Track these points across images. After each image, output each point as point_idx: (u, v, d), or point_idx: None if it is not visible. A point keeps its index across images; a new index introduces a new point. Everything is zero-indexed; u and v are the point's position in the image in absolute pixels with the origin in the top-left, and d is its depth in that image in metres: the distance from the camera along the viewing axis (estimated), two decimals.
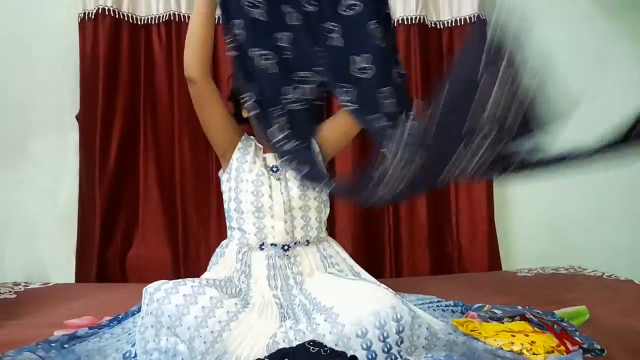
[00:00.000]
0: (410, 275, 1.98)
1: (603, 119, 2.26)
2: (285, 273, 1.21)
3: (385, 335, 0.94)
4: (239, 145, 1.29)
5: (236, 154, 1.28)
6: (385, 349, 0.93)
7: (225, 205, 1.30)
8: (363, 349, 0.93)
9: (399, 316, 0.95)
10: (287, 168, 1.25)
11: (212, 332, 0.94)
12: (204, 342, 0.93)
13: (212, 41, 1.21)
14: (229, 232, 1.31)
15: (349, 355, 0.92)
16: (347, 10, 1.15)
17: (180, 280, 1.04)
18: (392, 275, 1.98)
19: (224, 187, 1.30)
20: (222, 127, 1.28)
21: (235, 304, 1.00)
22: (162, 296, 0.98)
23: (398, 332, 0.94)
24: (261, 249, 1.23)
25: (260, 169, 1.26)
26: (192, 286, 1.00)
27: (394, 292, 1.05)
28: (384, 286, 1.07)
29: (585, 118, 2.20)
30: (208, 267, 1.30)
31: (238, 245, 1.25)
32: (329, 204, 1.33)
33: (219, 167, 1.94)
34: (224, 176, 1.31)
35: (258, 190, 1.23)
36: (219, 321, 0.95)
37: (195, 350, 0.93)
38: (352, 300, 1.01)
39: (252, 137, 1.34)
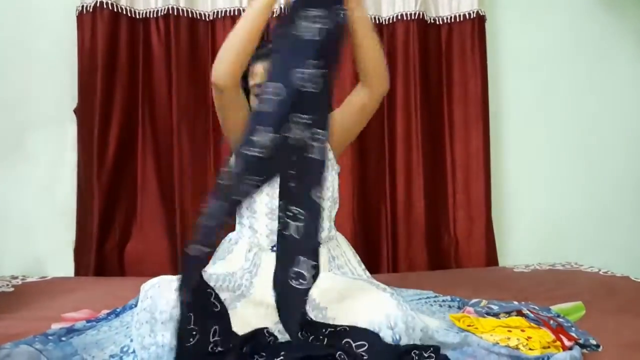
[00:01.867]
0: (407, 270, 1.99)
1: (602, 114, 2.29)
2: None
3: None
4: None
5: None
6: None
7: None
8: None
9: (392, 324, 0.96)
10: None
11: None
12: None
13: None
14: (237, 227, 1.29)
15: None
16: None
17: (175, 276, 1.03)
18: (389, 271, 1.98)
19: None
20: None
21: (226, 299, 0.99)
22: (156, 293, 0.98)
23: (393, 340, 0.95)
24: (273, 250, 1.19)
25: None
26: None
27: (391, 292, 1.04)
28: (382, 287, 1.06)
29: (586, 112, 2.23)
30: (212, 260, 1.28)
31: (248, 244, 1.23)
32: (338, 200, 1.31)
33: (217, 160, 1.96)
34: None
35: (273, 192, 1.17)
36: None
37: None
38: (347, 305, 1.01)
39: None
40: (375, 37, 1.20)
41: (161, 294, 0.98)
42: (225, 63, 1.11)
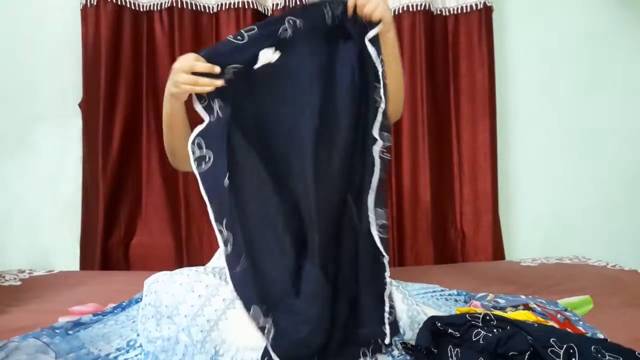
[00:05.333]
0: (413, 264, 1.98)
1: (610, 108, 2.26)
2: None
3: None
4: None
5: None
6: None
7: None
8: None
9: (397, 317, 0.97)
10: None
11: (208, 320, 0.94)
12: (201, 331, 0.93)
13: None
14: None
15: None
16: None
17: (177, 270, 1.04)
18: (395, 264, 1.98)
19: None
20: None
21: (232, 290, 0.99)
22: (160, 288, 0.99)
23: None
24: None
25: None
26: (188, 275, 1.00)
27: (396, 285, 1.03)
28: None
29: (594, 106, 2.20)
30: (217, 255, 1.28)
31: None
32: None
33: None
34: None
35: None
36: (215, 310, 0.95)
37: (193, 339, 0.94)
38: None
39: None
40: (398, 59, 1.16)
41: (166, 289, 0.98)
42: (167, 144, 1.18)
